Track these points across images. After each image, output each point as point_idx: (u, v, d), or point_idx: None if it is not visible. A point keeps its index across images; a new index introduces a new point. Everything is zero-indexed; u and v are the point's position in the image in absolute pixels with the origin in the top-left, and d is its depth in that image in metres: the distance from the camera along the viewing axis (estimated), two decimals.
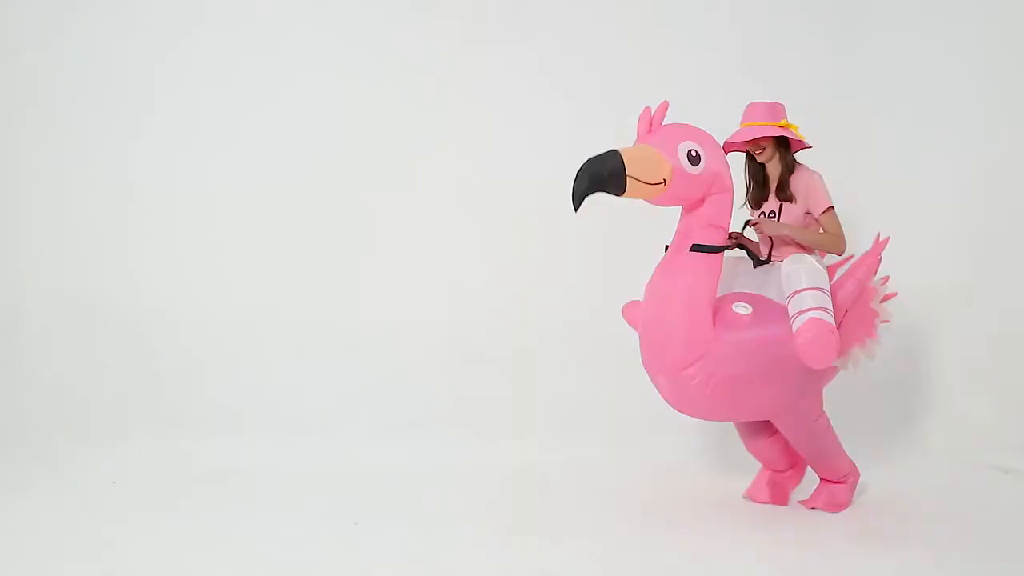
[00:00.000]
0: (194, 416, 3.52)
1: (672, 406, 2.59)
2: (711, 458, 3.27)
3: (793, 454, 2.83)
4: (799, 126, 2.65)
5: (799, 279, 2.46)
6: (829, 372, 2.65)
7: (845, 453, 2.76)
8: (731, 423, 2.86)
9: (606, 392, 3.47)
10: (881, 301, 2.62)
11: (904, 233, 3.40)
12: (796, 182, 2.64)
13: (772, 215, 2.67)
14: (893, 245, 3.31)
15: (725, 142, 2.62)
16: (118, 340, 3.68)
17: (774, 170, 2.67)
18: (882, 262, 2.65)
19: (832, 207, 2.61)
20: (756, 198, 2.72)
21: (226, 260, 3.67)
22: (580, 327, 3.52)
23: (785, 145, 2.65)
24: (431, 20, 3.63)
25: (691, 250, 2.47)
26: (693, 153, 2.39)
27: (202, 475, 3.12)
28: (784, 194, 2.64)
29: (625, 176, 2.31)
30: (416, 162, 3.63)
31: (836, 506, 2.74)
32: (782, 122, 2.61)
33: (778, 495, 2.84)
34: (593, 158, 2.31)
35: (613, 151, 2.32)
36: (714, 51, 3.57)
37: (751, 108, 2.65)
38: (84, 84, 3.71)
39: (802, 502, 2.79)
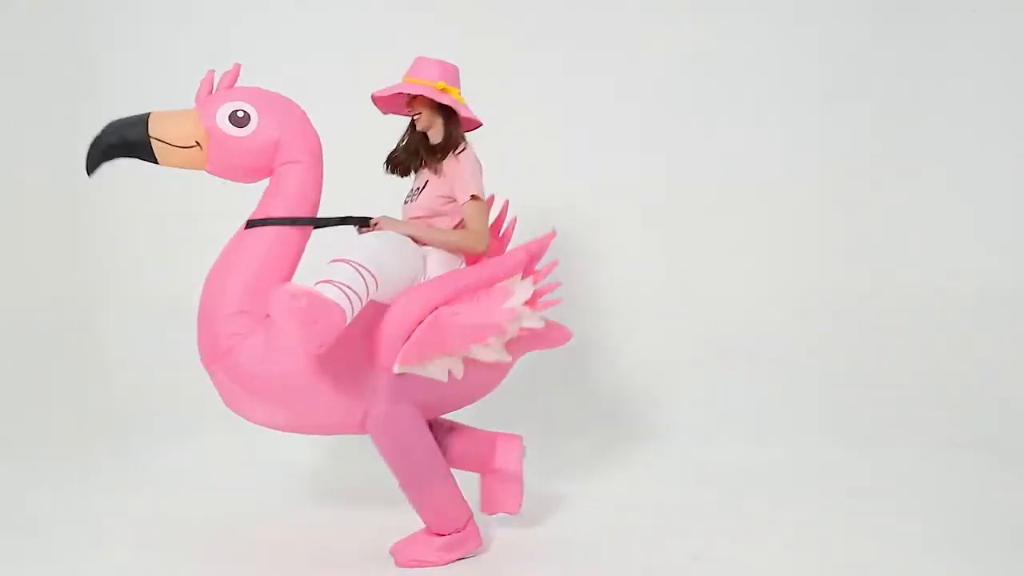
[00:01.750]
0: None
1: (225, 404, 2.19)
2: (721, 463, 3.17)
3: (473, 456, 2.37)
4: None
5: (347, 248, 2.01)
6: (432, 389, 2.14)
7: (460, 498, 2.21)
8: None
9: (603, 394, 3.53)
10: (538, 308, 2.18)
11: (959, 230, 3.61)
12: (449, 159, 2.26)
13: (418, 191, 2.31)
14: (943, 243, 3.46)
15: (373, 97, 2.33)
16: (184, 342, 3.69)
17: (433, 141, 2.31)
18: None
19: (477, 196, 2.22)
20: (401, 165, 2.37)
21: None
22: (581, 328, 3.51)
23: (449, 115, 2.28)
24: (434, 20, 3.71)
25: (245, 227, 2.15)
26: (240, 114, 2.08)
27: (274, 470, 3.01)
28: (436, 167, 2.28)
29: (147, 137, 2.05)
30: None
31: (415, 561, 2.17)
32: (439, 84, 2.24)
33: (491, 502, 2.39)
34: (121, 119, 2.08)
35: (146, 113, 2.10)
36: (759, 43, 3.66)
37: (417, 63, 2.30)
38: (146, 92, 3.66)
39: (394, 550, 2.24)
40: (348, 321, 1.91)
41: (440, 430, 2.36)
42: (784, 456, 3.14)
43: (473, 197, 2.22)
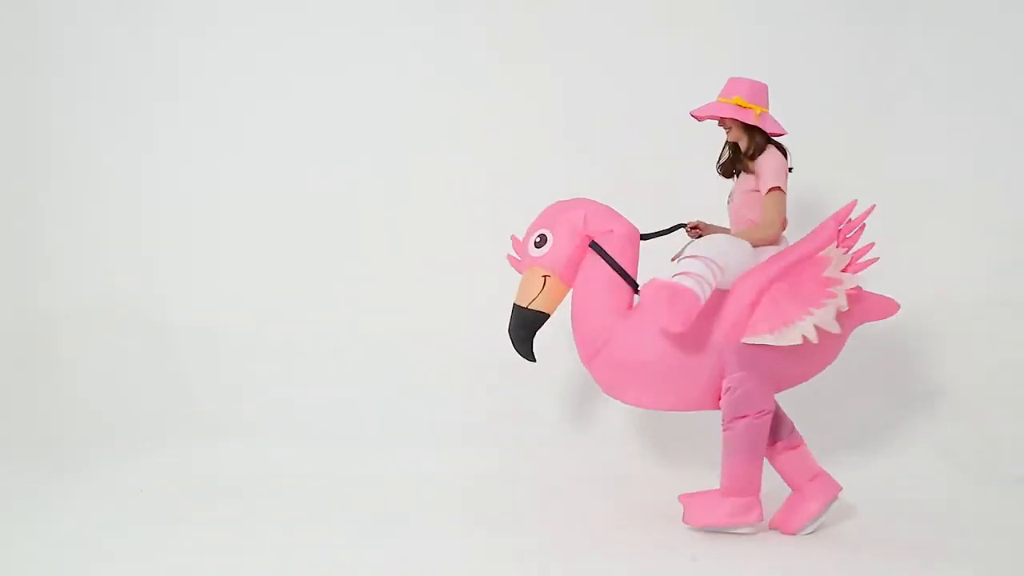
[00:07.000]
0: (220, 423, 3.53)
1: (605, 392, 2.64)
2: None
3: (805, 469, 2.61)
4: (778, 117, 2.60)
5: (694, 247, 2.49)
6: (777, 362, 2.44)
7: (759, 475, 2.51)
8: None
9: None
10: (853, 271, 2.43)
11: (924, 238, 3.48)
12: (758, 160, 2.60)
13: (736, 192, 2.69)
14: (913, 251, 3.35)
15: (692, 113, 2.67)
16: (144, 349, 3.77)
17: (743, 147, 2.64)
18: (864, 229, 2.48)
19: (778, 188, 2.54)
20: (727, 169, 2.73)
21: (260, 267, 3.76)
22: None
23: (752, 127, 2.60)
24: (450, 32, 3.75)
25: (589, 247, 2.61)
26: (537, 239, 2.58)
27: (228, 483, 3.04)
28: (747, 169, 2.63)
29: (527, 310, 2.55)
30: (447, 170, 3.72)
31: (704, 518, 2.51)
32: (735, 100, 2.57)
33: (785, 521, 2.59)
34: (509, 324, 2.59)
35: (512, 306, 2.59)
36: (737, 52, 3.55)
37: (731, 83, 2.64)
38: (102, 89, 3.84)
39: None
40: (702, 304, 2.36)
41: (784, 440, 2.60)
42: None
43: (772, 189, 2.54)
